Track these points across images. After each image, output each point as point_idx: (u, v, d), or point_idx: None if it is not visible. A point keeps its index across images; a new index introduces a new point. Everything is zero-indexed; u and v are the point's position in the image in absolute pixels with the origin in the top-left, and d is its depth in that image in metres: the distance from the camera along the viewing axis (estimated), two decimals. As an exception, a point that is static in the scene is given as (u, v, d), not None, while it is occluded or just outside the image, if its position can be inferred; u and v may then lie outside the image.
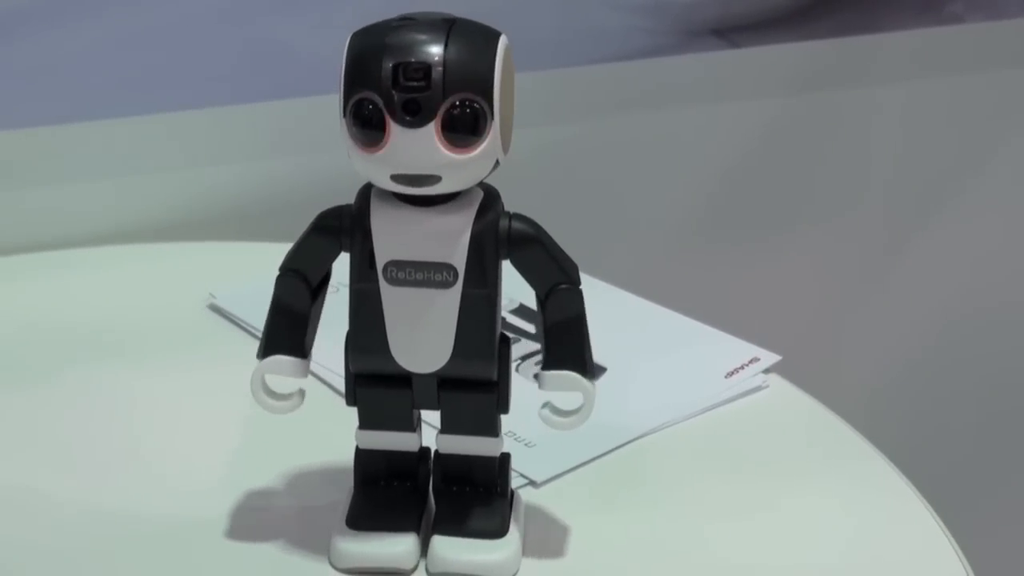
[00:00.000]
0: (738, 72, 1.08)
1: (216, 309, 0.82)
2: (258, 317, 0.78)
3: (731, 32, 1.08)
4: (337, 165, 0.56)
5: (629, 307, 0.82)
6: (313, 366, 0.74)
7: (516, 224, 0.57)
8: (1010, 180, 1.18)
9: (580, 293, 0.57)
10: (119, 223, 0.93)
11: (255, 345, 0.77)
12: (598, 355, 0.76)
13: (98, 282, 0.86)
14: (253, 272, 0.72)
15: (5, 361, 0.78)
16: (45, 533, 0.63)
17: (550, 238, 0.57)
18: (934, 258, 1.18)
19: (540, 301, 0.58)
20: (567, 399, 0.58)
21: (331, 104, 0.55)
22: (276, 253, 0.59)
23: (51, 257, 0.90)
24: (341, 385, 0.60)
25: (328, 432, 0.61)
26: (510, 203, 0.58)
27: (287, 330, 0.59)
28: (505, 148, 0.55)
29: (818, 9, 1.10)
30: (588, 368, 0.58)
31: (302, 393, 0.60)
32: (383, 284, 0.56)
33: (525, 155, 0.99)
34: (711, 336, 0.79)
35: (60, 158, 0.93)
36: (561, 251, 0.57)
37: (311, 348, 0.59)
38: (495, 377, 0.58)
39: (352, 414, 0.60)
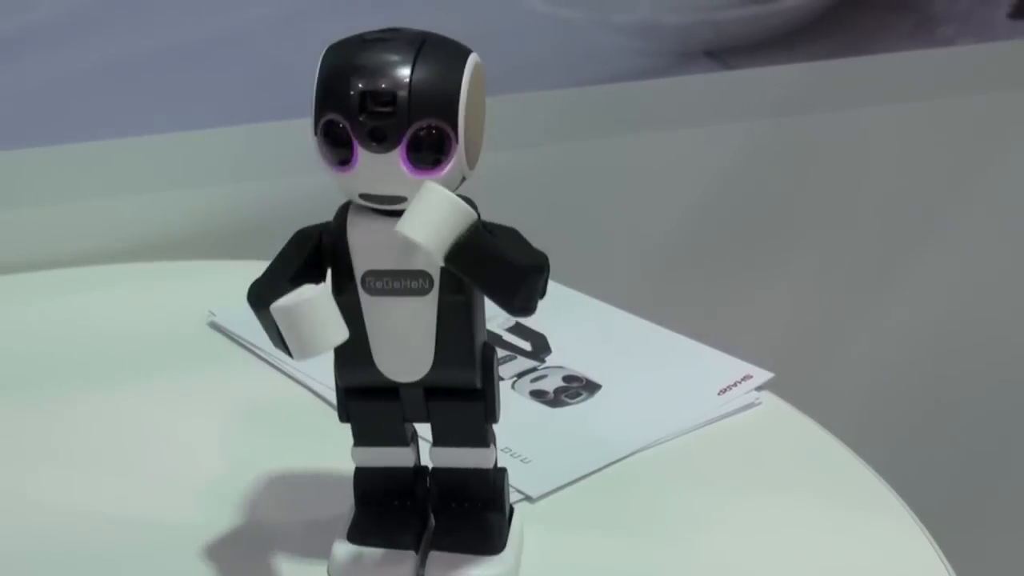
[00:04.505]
0: (731, 93, 1.08)
1: (216, 327, 0.82)
2: (258, 335, 0.79)
3: (724, 54, 1.08)
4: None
5: (623, 325, 0.83)
6: (312, 383, 0.75)
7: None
8: (1000, 202, 1.18)
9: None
10: (120, 241, 0.94)
11: (255, 362, 0.77)
12: (593, 372, 0.77)
13: (99, 300, 0.87)
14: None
15: (6, 377, 0.78)
16: (44, 546, 0.63)
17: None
18: (925, 276, 1.18)
19: None
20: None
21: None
22: (276, 272, 0.59)
23: (52, 276, 0.91)
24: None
25: (330, 448, 0.62)
26: (504, 222, 0.58)
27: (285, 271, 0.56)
28: (471, 164, 0.55)
29: (811, 31, 1.11)
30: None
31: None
32: (363, 295, 0.56)
33: (519, 175, 1.01)
34: (704, 354, 0.79)
35: (61, 178, 0.93)
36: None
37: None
38: (479, 384, 0.58)
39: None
